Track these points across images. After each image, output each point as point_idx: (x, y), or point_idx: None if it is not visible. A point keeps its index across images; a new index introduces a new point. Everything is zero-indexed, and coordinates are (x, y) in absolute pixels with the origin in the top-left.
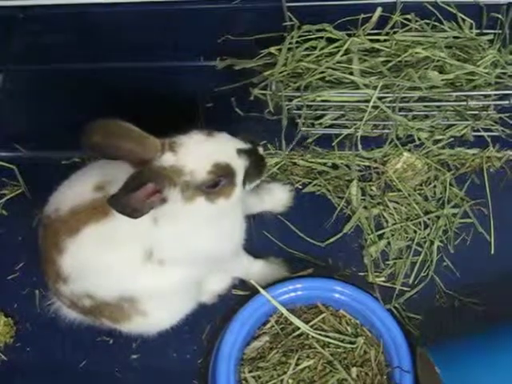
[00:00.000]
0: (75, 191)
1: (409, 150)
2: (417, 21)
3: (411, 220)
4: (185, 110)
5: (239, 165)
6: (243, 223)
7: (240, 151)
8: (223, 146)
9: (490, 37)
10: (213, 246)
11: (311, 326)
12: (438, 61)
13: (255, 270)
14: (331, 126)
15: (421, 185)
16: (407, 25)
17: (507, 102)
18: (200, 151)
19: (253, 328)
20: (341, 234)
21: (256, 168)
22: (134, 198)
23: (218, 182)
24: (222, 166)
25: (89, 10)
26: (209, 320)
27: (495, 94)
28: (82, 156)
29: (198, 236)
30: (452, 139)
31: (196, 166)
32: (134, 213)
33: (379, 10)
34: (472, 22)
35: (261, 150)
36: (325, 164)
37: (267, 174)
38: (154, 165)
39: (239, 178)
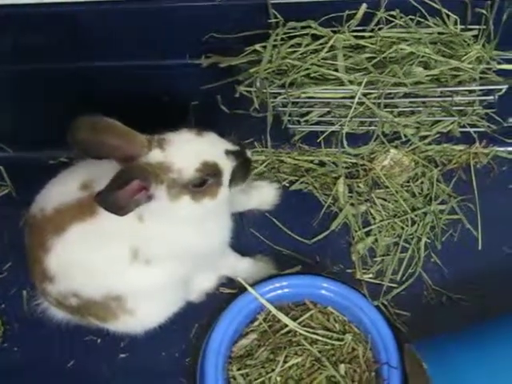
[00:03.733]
0: (61, 190)
1: (396, 147)
2: (401, 17)
3: (398, 217)
4: (170, 108)
5: (227, 165)
6: (229, 222)
7: (228, 152)
8: (212, 145)
9: (475, 32)
10: (198, 244)
11: (299, 324)
12: (422, 57)
13: (242, 267)
14: (318, 124)
15: (408, 181)
16: (392, 21)
17: (492, 97)
18: (189, 149)
19: (240, 326)
20: (328, 232)
21: (243, 170)
22: (121, 194)
23: (205, 180)
24: (210, 165)
25: (72, 8)
26: (197, 318)
27: (480, 90)
28: (69, 156)
29: (183, 234)
30: (438, 135)
31: (184, 164)
32: (120, 210)
33: (364, 6)
34: (456, 17)
35: (248, 153)
36: (312, 161)
37: (254, 172)
38: (141, 161)
39: (226, 178)
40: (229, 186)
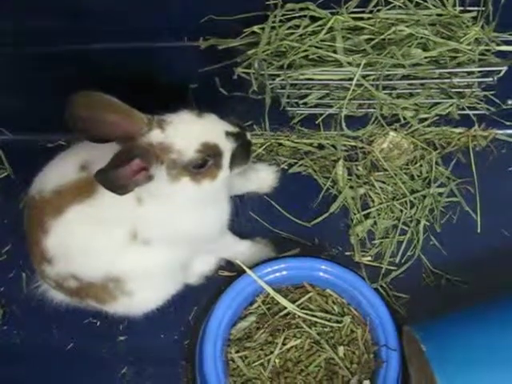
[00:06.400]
0: (59, 172)
1: (395, 130)
2: None
3: (397, 199)
4: (169, 90)
5: (227, 147)
6: (228, 204)
7: (228, 134)
8: (212, 126)
9: (474, 14)
10: (197, 226)
11: (298, 306)
12: (421, 38)
13: (241, 250)
14: (316, 106)
15: (407, 164)
16: (391, 2)
17: (491, 79)
18: (189, 130)
19: (239, 308)
20: (327, 214)
21: (243, 152)
22: (121, 173)
23: (206, 162)
24: (211, 146)
25: None
26: (195, 301)
27: (479, 71)
28: (68, 139)
29: (181, 216)
30: (437, 118)
31: (184, 145)
32: (120, 189)
33: None
34: None
35: (248, 135)
36: (311, 144)
37: (253, 155)
38: (142, 141)
39: (226, 160)
40: (229, 168)
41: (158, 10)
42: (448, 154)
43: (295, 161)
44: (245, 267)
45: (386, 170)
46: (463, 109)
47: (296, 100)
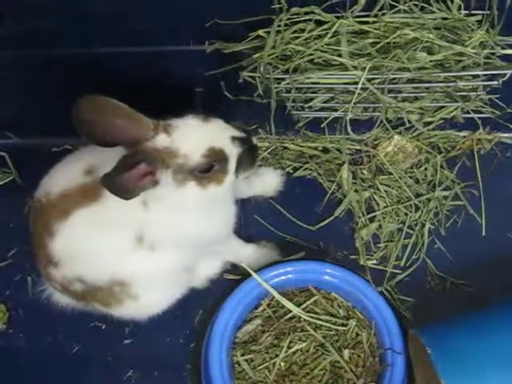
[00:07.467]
0: (65, 175)
1: (399, 133)
2: (405, 2)
3: (402, 203)
4: (174, 94)
5: (233, 152)
6: (234, 208)
7: (234, 138)
8: (218, 131)
9: (479, 17)
10: (203, 230)
11: (303, 309)
12: (426, 42)
13: (247, 254)
14: (321, 110)
15: (412, 167)
16: (396, 6)
17: (496, 82)
18: (195, 135)
19: (245, 311)
20: (332, 218)
21: (249, 157)
22: (127, 178)
23: (212, 166)
24: (216, 151)
25: None
26: (201, 304)
27: (484, 75)
28: (74, 143)
29: (187, 220)
30: (442, 121)
31: (190, 149)
32: (125, 193)
33: None
34: (460, 2)
35: (254, 139)
36: (316, 148)
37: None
38: (148, 145)
39: (232, 165)
40: (235, 172)
41: (163, 13)
42: (453, 158)
43: (300, 164)
44: (250, 270)
45: (390, 173)
46: (468, 112)
47: (301, 104)
